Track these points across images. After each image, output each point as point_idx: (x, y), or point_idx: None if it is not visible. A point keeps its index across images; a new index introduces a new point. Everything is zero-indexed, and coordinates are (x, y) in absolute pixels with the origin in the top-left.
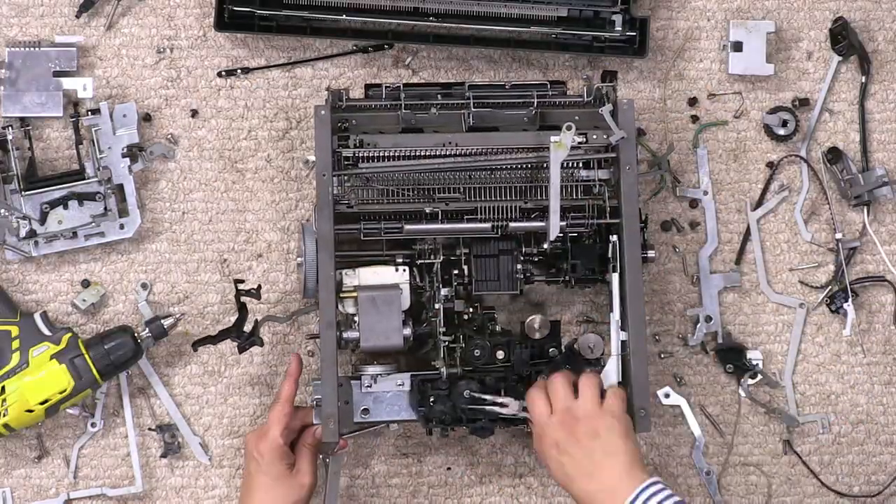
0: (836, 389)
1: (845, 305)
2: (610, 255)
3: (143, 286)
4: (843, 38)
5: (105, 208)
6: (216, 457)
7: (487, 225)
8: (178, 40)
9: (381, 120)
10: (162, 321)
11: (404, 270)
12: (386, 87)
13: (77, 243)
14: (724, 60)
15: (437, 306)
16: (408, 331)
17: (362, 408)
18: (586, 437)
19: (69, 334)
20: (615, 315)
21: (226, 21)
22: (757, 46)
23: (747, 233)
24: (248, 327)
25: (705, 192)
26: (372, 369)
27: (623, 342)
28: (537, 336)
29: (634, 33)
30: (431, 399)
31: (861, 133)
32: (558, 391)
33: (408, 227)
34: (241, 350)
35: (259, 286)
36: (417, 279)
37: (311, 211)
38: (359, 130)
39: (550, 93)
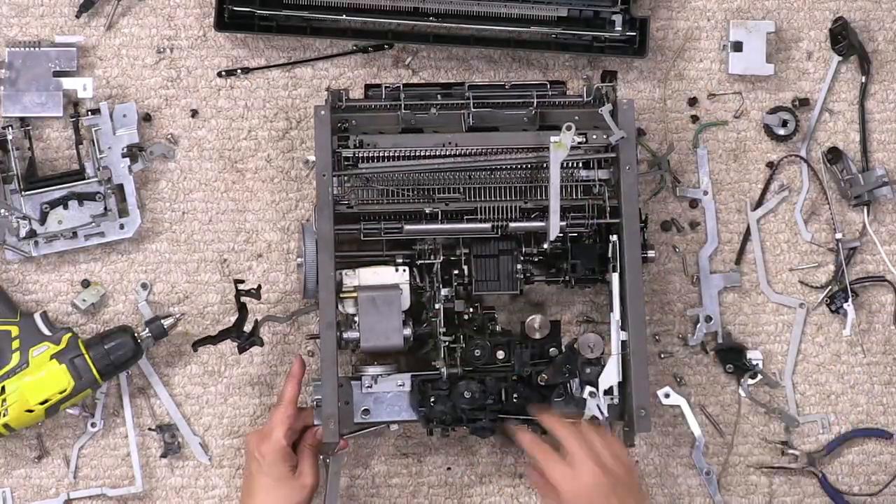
0: (836, 389)
1: (845, 305)
2: (610, 254)
3: (143, 286)
4: (843, 38)
5: (105, 208)
6: (216, 457)
7: (487, 225)
8: (178, 40)
9: (380, 120)
10: (162, 321)
11: (404, 271)
12: (386, 87)
13: (77, 243)
14: (724, 60)
15: (437, 306)
16: (408, 331)
17: (363, 408)
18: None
19: (69, 334)
20: (615, 315)
21: (226, 21)
22: (757, 46)
23: (747, 233)
24: (248, 327)
25: (705, 192)
26: (372, 370)
27: (623, 342)
28: (537, 336)
29: (634, 33)
30: (432, 399)
31: (861, 133)
32: (595, 442)
33: (408, 227)
34: (242, 350)
35: (259, 286)
36: (417, 279)
37: (311, 211)
38: (359, 131)
39: (550, 93)
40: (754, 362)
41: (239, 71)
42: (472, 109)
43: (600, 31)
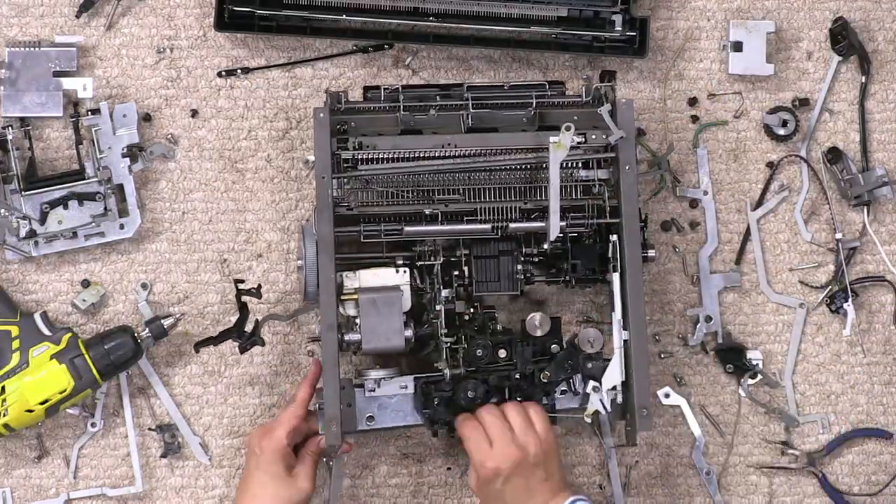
0: (836, 389)
1: (845, 305)
2: (610, 254)
3: (143, 286)
4: (843, 38)
5: (105, 208)
6: (216, 457)
7: (487, 226)
8: (178, 40)
9: (379, 122)
10: (162, 321)
11: (405, 272)
12: (385, 88)
13: (77, 243)
14: (724, 60)
15: (438, 307)
16: (409, 332)
17: (367, 415)
18: (527, 466)
19: (69, 334)
20: (617, 314)
21: (226, 21)
22: (757, 46)
23: (747, 233)
24: (249, 327)
25: (705, 192)
26: (375, 373)
27: (624, 341)
28: (538, 333)
29: (634, 33)
30: (436, 400)
31: (861, 133)
32: (494, 423)
33: (408, 228)
34: (243, 350)
35: (259, 285)
36: (418, 281)
37: (311, 211)
38: (358, 132)
39: (549, 93)
40: (754, 362)
41: (239, 71)
42: (472, 110)
43: (600, 31)
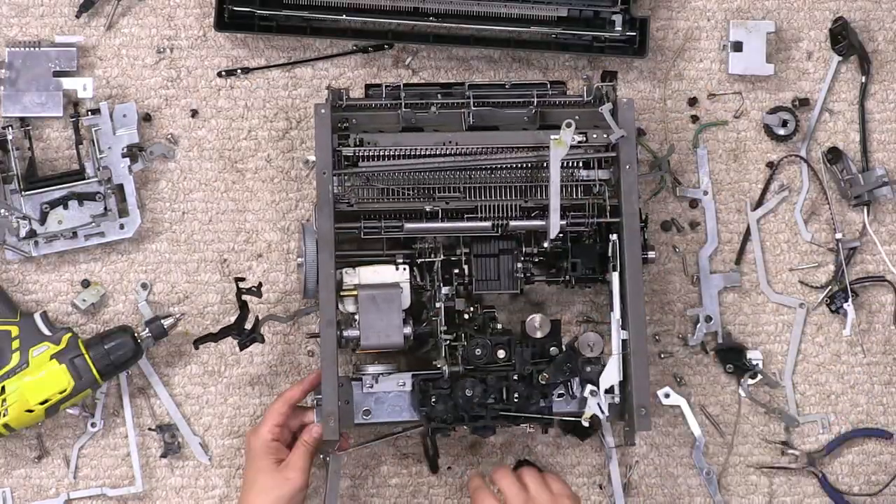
0: (836, 389)
1: (845, 305)
2: (610, 253)
3: (143, 286)
4: (843, 38)
5: (105, 208)
6: (216, 457)
7: (487, 223)
8: (178, 40)
9: (381, 119)
10: (162, 321)
11: (404, 269)
12: (386, 86)
13: (77, 243)
14: (724, 60)
15: (437, 305)
16: (408, 329)
17: (364, 409)
18: None
19: (69, 334)
20: (616, 314)
21: (226, 21)
22: (757, 46)
23: (747, 233)
24: (249, 326)
25: (705, 192)
26: (373, 369)
27: (623, 341)
28: (538, 335)
29: (634, 33)
30: (433, 398)
31: (861, 133)
32: (511, 487)
33: (408, 225)
34: (242, 347)
35: (260, 284)
36: (418, 278)
37: (311, 211)
38: (359, 129)
39: (550, 92)
40: (754, 362)
41: (239, 71)
42: (473, 108)
43: (600, 31)
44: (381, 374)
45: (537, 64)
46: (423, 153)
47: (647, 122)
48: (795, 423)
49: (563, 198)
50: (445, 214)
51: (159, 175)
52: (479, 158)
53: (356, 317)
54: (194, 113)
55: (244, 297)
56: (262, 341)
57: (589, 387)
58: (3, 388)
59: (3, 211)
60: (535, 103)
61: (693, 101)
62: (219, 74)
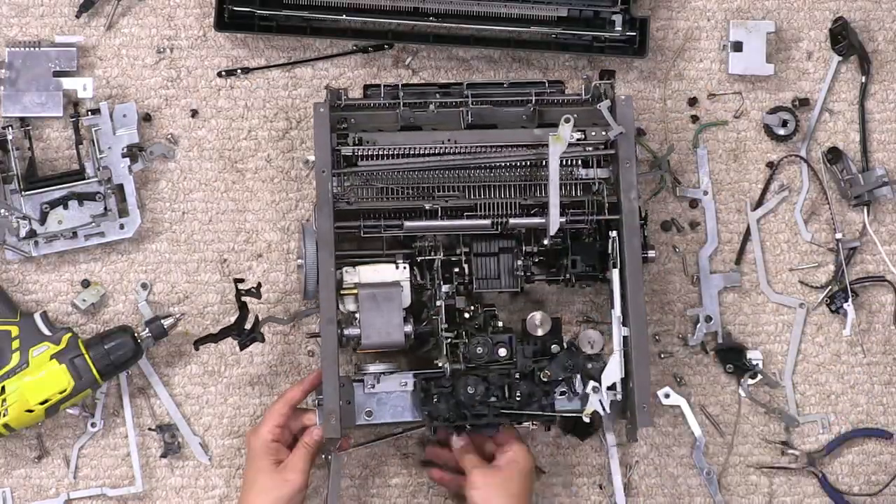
0: (836, 389)
1: (845, 305)
2: (610, 251)
3: (143, 286)
4: (843, 38)
5: (105, 208)
6: (216, 457)
7: (487, 221)
8: (178, 40)
9: (379, 118)
10: (162, 321)
11: (405, 268)
12: (385, 86)
13: (77, 243)
14: (724, 60)
15: (438, 303)
16: (409, 328)
17: (366, 410)
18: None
19: (69, 334)
20: (616, 311)
21: (226, 21)
22: (757, 46)
23: (747, 233)
24: (249, 326)
25: (705, 192)
26: (374, 368)
27: (624, 338)
28: (539, 332)
29: (634, 33)
30: (435, 397)
31: (861, 133)
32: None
33: (408, 224)
34: (242, 347)
35: (259, 284)
36: (418, 277)
37: (311, 211)
38: (358, 129)
39: (548, 91)
40: (754, 362)
41: (239, 71)
42: (471, 107)
43: (600, 31)
44: (383, 373)
45: (537, 64)
46: (421, 152)
47: (647, 122)
48: (795, 423)
49: (563, 196)
50: (445, 213)
51: (159, 175)
52: (477, 157)
53: (357, 316)
54: (194, 113)
55: (243, 297)
56: (262, 341)
57: (591, 383)
58: (3, 388)
59: (3, 211)
60: (534, 102)
61: (693, 101)
62: (219, 74)
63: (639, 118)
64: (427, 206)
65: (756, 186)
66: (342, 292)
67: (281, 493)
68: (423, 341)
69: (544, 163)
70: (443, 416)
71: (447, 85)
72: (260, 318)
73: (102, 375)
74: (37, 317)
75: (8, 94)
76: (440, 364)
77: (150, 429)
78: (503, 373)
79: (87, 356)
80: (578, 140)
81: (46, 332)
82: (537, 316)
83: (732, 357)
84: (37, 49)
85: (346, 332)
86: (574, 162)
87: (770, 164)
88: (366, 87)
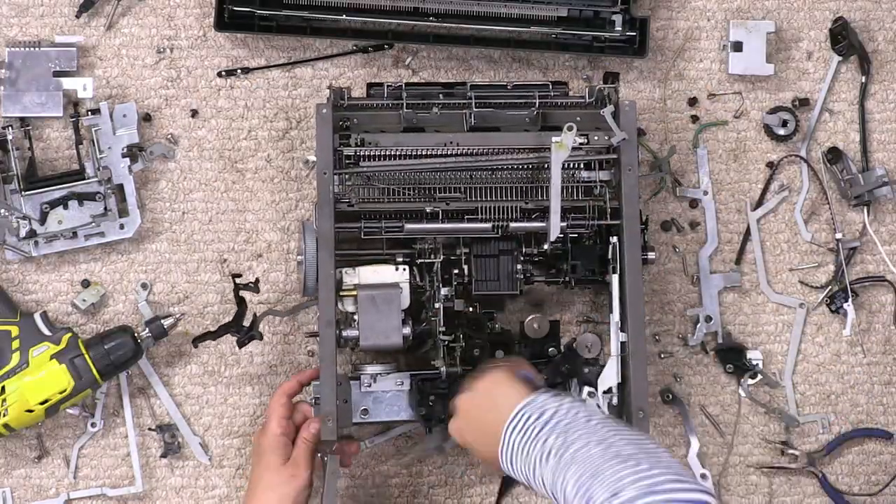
0: (836, 389)
1: (845, 305)
2: (610, 256)
3: (143, 286)
4: (843, 38)
5: (105, 208)
6: (216, 457)
7: (488, 225)
8: (178, 40)
9: (382, 119)
10: (162, 321)
11: (404, 269)
12: (388, 86)
13: (77, 243)
14: (724, 60)
15: (436, 305)
16: (407, 330)
17: (362, 408)
18: (489, 384)
19: (69, 334)
20: (615, 316)
21: (226, 21)
22: (757, 46)
23: (747, 233)
24: (247, 323)
25: (705, 192)
26: (371, 368)
27: (622, 343)
28: (537, 336)
29: (634, 33)
30: (431, 398)
31: (861, 133)
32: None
33: (408, 226)
34: (241, 345)
35: (257, 280)
36: (417, 278)
37: (312, 210)
38: (360, 129)
39: (552, 93)
40: (754, 362)
41: (239, 71)
42: (474, 109)
43: (600, 31)
44: (380, 373)
45: (537, 64)
46: (424, 153)
47: (648, 123)
48: (795, 423)
49: (564, 199)
50: (446, 215)
51: (159, 175)
52: (480, 159)
53: (355, 317)
54: (194, 113)
55: (241, 293)
56: (261, 338)
57: (587, 388)
58: (3, 388)
59: (3, 211)
60: (538, 104)
61: (693, 101)
62: (219, 74)
63: (639, 118)
64: (428, 209)
65: (756, 186)
66: (341, 293)
67: (288, 490)
68: (422, 342)
69: (546, 166)
70: (438, 417)
71: (450, 84)
72: (257, 314)
73: (102, 375)
74: (37, 317)
75: (8, 94)
76: (437, 366)
77: (150, 429)
78: None
79: (87, 356)
80: (581, 144)
81: (46, 332)
82: (535, 319)
83: (732, 357)
84: (37, 49)
85: (344, 333)
86: (576, 165)
87: (770, 164)
88: (369, 86)
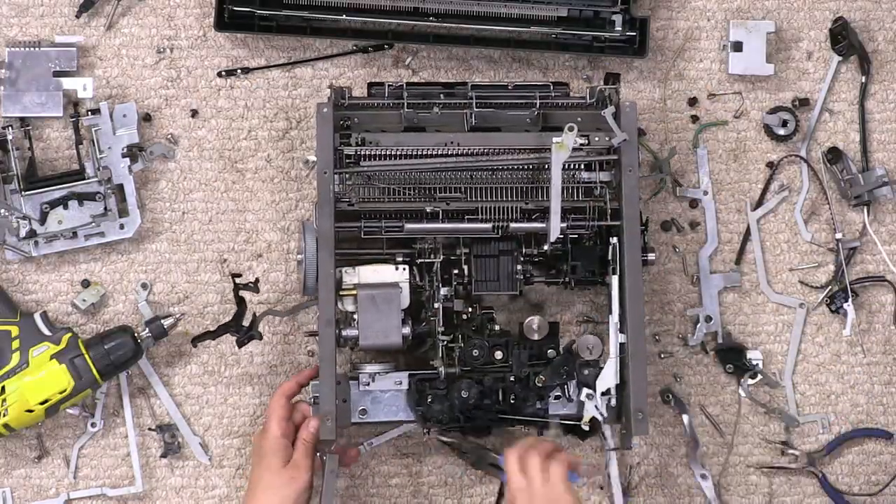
0: (836, 389)
1: (845, 305)
2: (610, 257)
3: (143, 286)
4: (843, 38)
5: (105, 208)
6: (216, 457)
7: (488, 225)
8: (178, 40)
9: (383, 119)
10: (162, 321)
11: (404, 269)
12: (389, 85)
13: (77, 243)
14: (724, 60)
15: (436, 305)
16: (407, 329)
17: (360, 408)
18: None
19: (69, 334)
20: (614, 317)
21: (226, 21)
22: (757, 46)
23: (747, 233)
24: (247, 323)
25: (705, 192)
26: (370, 367)
27: (622, 344)
28: (536, 337)
29: (634, 33)
30: (429, 398)
31: (861, 133)
32: (533, 468)
33: (408, 226)
34: (240, 344)
35: (257, 279)
36: (417, 278)
37: (312, 210)
38: (361, 129)
39: (553, 94)
40: (754, 362)
41: (239, 71)
42: (475, 109)
43: (600, 31)
44: (379, 372)
45: (537, 64)
46: (424, 153)
47: (648, 122)
48: (795, 423)
49: (564, 200)
50: (446, 215)
51: (159, 175)
52: (480, 159)
53: (355, 316)
54: (194, 113)
55: (241, 293)
56: (260, 338)
57: (585, 390)
58: (3, 388)
59: (3, 211)
60: (538, 105)
61: (693, 101)
62: (219, 74)
63: (639, 118)
64: (428, 209)
65: (756, 186)
66: (341, 293)
67: (288, 491)
68: (421, 341)
69: (547, 166)
70: (436, 417)
71: (451, 84)
72: (257, 313)
73: (102, 375)
74: (37, 317)
75: (8, 94)
76: (436, 366)
77: (150, 429)
78: (498, 376)
79: (87, 356)
80: (581, 145)
81: (46, 332)
82: (535, 320)
83: (732, 357)
84: (37, 49)
85: (344, 332)
86: (576, 165)
87: (770, 164)
88: (370, 85)
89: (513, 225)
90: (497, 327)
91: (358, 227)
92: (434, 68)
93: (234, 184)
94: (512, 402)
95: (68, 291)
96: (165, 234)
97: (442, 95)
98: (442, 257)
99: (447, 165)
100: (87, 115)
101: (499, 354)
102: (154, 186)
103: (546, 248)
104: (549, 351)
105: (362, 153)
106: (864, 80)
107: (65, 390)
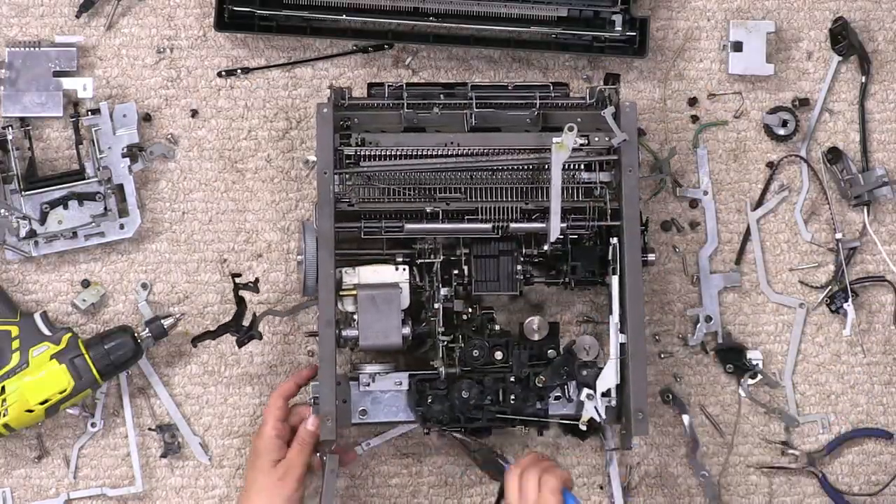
0: (836, 389)
1: (845, 305)
2: (610, 257)
3: (143, 286)
4: (843, 38)
5: (105, 208)
6: (216, 457)
7: (488, 225)
8: (178, 40)
9: (383, 119)
10: (162, 321)
11: (404, 269)
12: (389, 85)
13: (77, 243)
14: (724, 60)
15: (436, 306)
16: (407, 330)
17: (360, 409)
18: None
19: (69, 334)
20: (614, 318)
21: (226, 21)
22: (757, 46)
23: (747, 233)
24: (247, 322)
25: (705, 192)
26: (370, 368)
27: (622, 344)
28: (536, 337)
29: (634, 33)
30: (429, 399)
31: (861, 133)
32: (529, 483)
33: (408, 226)
34: (240, 344)
35: (257, 279)
36: (417, 278)
37: (312, 210)
38: (361, 129)
39: (553, 94)
40: (754, 362)
41: (239, 71)
42: (475, 110)
43: (600, 31)
44: (379, 373)
45: (537, 64)
46: (424, 154)
47: (648, 123)
48: (795, 423)
49: (564, 200)
50: (446, 215)
51: (159, 175)
52: (480, 160)
53: (355, 316)
54: (194, 113)
55: (241, 293)
56: (260, 338)
57: (585, 390)
58: (3, 388)
59: (3, 211)
60: (538, 105)
61: (693, 101)
62: (219, 74)
63: (639, 118)
64: (428, 209)
65: (756, 186)
66: (341, 293)
67: (279, 493)
68: (421, 341)
69: (547, 167)
70: (436, 417)
71: (451, 84)
72: (257, 313)
73: (102, 375)
74: (37, 317)
75: (8, 94)
76: (436, 366)
77: (150, 429)
78: (498, 377)
79: (87, 356)
80: (581, 145)
81: (46, 332)
82: (535, 321)
83: (732, 357)
84: (37, 49)
85: (344, 333)
86: (576, 166)
87: (770, 164)
88: (370, 86)
89: (513, 225)
90: (497, 327)
91: (358, 228)
92: (434, 68)
93: (234, 184)
94: (512, 402)
95: (68, 291)
96: (165, 234)
97: (442, 96)
98: (442, 257)
99: (447, 166)
100: (87, 115)
101: (499, 355)
102: (154, 186)
103: (546, 248)
104: (550, 351)
105: (362, 153)
106: (864, 80)
107: (65, 390)
